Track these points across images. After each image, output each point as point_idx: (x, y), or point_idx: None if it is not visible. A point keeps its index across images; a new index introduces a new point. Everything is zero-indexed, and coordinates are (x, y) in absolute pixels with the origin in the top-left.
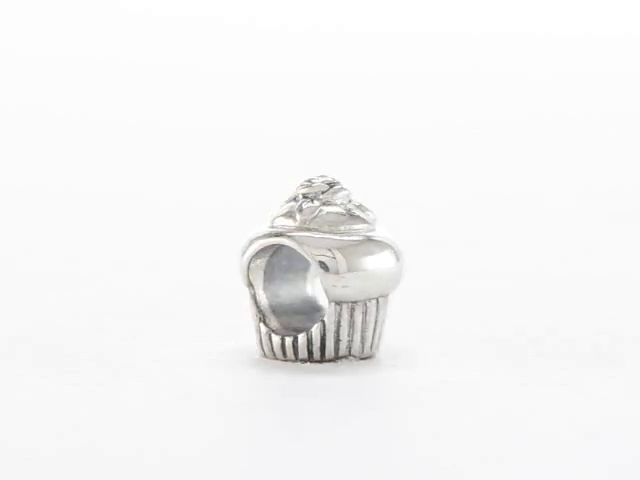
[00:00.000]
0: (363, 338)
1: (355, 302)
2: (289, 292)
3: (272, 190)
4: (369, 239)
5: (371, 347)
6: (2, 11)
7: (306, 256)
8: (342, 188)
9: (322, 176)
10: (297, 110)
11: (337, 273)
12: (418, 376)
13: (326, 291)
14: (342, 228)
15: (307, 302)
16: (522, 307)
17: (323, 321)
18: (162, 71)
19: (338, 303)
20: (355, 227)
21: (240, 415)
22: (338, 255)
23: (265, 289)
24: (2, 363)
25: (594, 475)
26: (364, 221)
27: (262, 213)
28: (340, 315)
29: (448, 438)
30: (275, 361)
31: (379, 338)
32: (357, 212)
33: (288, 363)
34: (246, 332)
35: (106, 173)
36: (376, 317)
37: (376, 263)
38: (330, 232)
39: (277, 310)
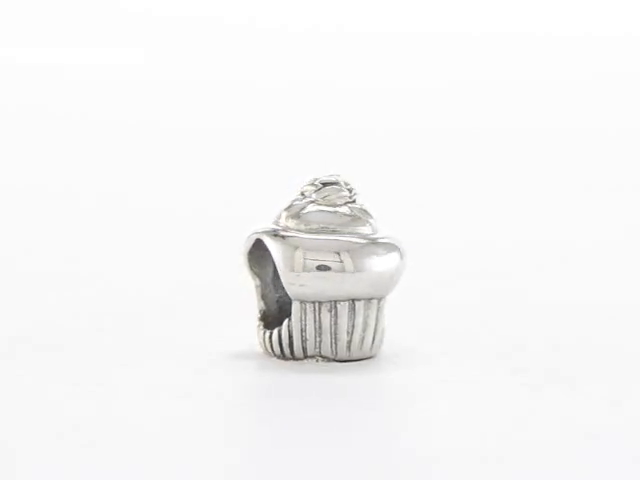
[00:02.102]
0: (335, 340)
1: (320, 302)
2: None
3: (275, 190)
4: (339, 241)
5: (349, 350)
6: (1, 12)
7: (272, 253)
8: (340, 189)
9: (330, 175)
10: (307, 110)
11: (292, 271)
12: (418, 376)
13: (286, 288)
14: (317, 227)
15: None
16: (522, 307)
17: (290, 319)
18: (166, 72)
19: (302, 302)
20: (342, 229)
21: (240, 415)
22: (297, 254)
23: (275, 283)
24: (2, 363)
25: (594, 475)
26: (359, 223)
27: (263, 213)
28: (305, 314)
29: (448, 438)
30: (275, 361)
31: (362, 342)
32: (347, 212)
33: (288, 362)
34: (246, 332)
35: (106, 173)
36: (353, 320)
37: (336, 267)
38: (307, 231)
39: (286, 306)
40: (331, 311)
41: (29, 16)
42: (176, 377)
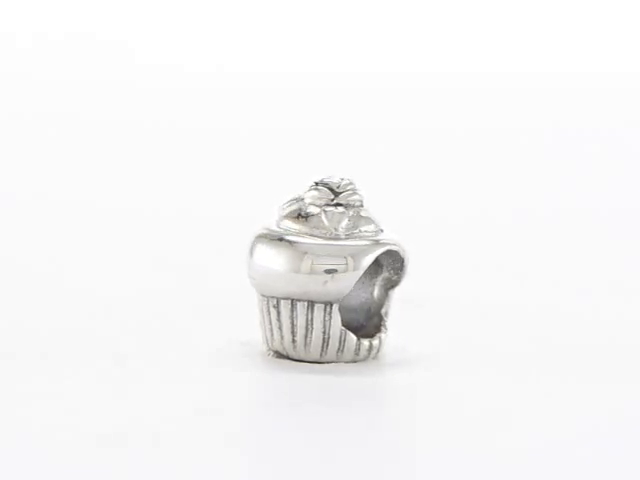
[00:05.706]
0: (282, 336)
1: (267, 297)
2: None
3: (274, 190)
4: (284, 241)
5: (295, 349)
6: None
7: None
8: (325, 191)
9: (331, 177)
10: (309, 110)
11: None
12: (418, 377)
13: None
14: (282, 227)
15: (368, 304)
16: (522, 307)
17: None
18: (165, 72)
19: (260, 294)
20: (307, 231)
21: (240, 415)
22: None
23: None
24: (2, 363)
25: (594, 475)
26: (320, 227)
27: (263, 213)
28: (262, 305)
29: (448, 438)
30: (275, 361)
31: (309, 345)
32: (315, 214)
33: (287, 362)
34: (248, 331)
35: (106, 173)
36: (295, 320)
37: (280, 265)
38: (289, 233)
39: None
40: (276, 307)
41: (29, 16)
42: (177, 376)
